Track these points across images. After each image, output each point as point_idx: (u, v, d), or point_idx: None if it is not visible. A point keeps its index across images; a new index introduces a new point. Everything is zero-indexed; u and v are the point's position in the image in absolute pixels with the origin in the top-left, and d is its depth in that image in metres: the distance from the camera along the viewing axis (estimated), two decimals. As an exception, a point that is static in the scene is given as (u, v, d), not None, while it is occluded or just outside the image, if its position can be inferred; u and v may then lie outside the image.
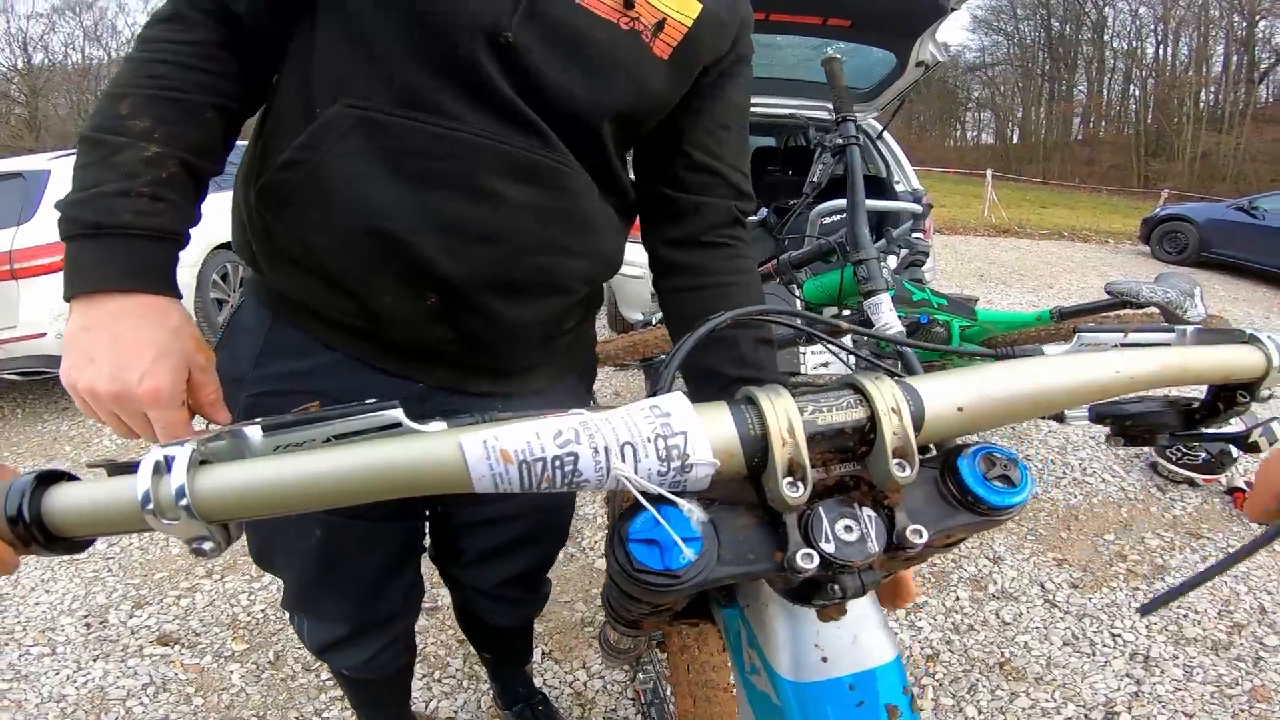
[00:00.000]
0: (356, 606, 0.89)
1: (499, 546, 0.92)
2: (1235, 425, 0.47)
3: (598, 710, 1.53)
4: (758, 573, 0.33)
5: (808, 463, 0.31)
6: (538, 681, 1.61)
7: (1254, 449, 0.46)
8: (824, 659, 0.38)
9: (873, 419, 0.32)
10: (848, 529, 0.33)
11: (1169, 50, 27.76)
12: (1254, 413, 0.46)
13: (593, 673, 1.62)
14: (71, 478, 0.30)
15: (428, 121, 0.57)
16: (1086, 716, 1.57)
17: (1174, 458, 2.53)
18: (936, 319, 2.06)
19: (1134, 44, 28.84)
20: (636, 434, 0.30)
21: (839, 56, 1.32)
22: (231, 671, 1.58)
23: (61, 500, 0.29)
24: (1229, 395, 0.44)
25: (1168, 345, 0.41)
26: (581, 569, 1.98)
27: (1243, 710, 1.60)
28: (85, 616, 1.75)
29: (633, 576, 0.31)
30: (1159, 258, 8.10)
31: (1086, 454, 2.80)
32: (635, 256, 3.34)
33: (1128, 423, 0.48)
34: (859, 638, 0.38)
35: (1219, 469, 2.46)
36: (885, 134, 3.53)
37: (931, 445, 0.38)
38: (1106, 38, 29.46)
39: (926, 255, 2.03)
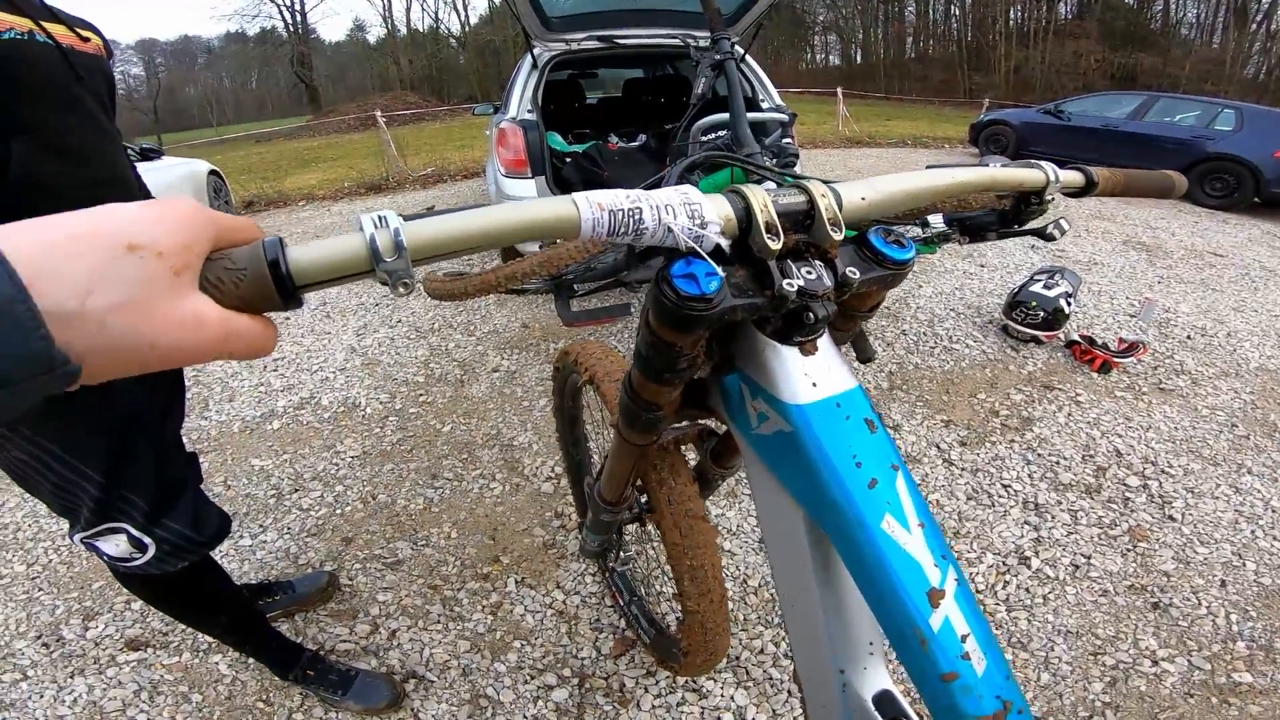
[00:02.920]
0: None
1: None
2: (1037, 224, 0.65)
3: (583, 623, 1.54)
4: (758, 305, 0.44)
5: (779, 223, 0.43)
6: (518, 610, 1.58)
7: (1049, 238, 0.65)
8: (814, 384, 0.48)
9: (812, 202, 0.45)
10: (808, 273, 0.45)
11: (983, -31, 28.56)
12: (1061, 223, 0.65)
13: (568, 590, 1.62)
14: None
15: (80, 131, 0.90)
16: (1004, 563, 1.70)
17: (1019, 319, 2.78)
18: None
19: (953, -36, 29.50)
20: (673, 201, 0.40)
21: None
22: (216, 663, 1.46)
23: (302, 254, 0.33)
24: (1026, 200, 0.61)
25: (985, 168, 0.58)
26: (530, 497, 1.94)
27: (1129, 550, 1.74)
28: (39, 638, 1.55)
29: (678, 304, 0.42)
30: (987, 155, 8.69)
31: (950, 324, 3.03)
32: (524, 190, 3.17)
33: (967, 223, 0.65)
34: (832, 369, 0.49)
35: (1056, 325, 2.76)
36: (747, 57, 3.55)
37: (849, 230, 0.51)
38: (930, -43, 29.97)
39: (796, 158, 2.22)
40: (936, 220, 0.64)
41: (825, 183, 0.48)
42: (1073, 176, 0.60)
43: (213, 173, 6.04)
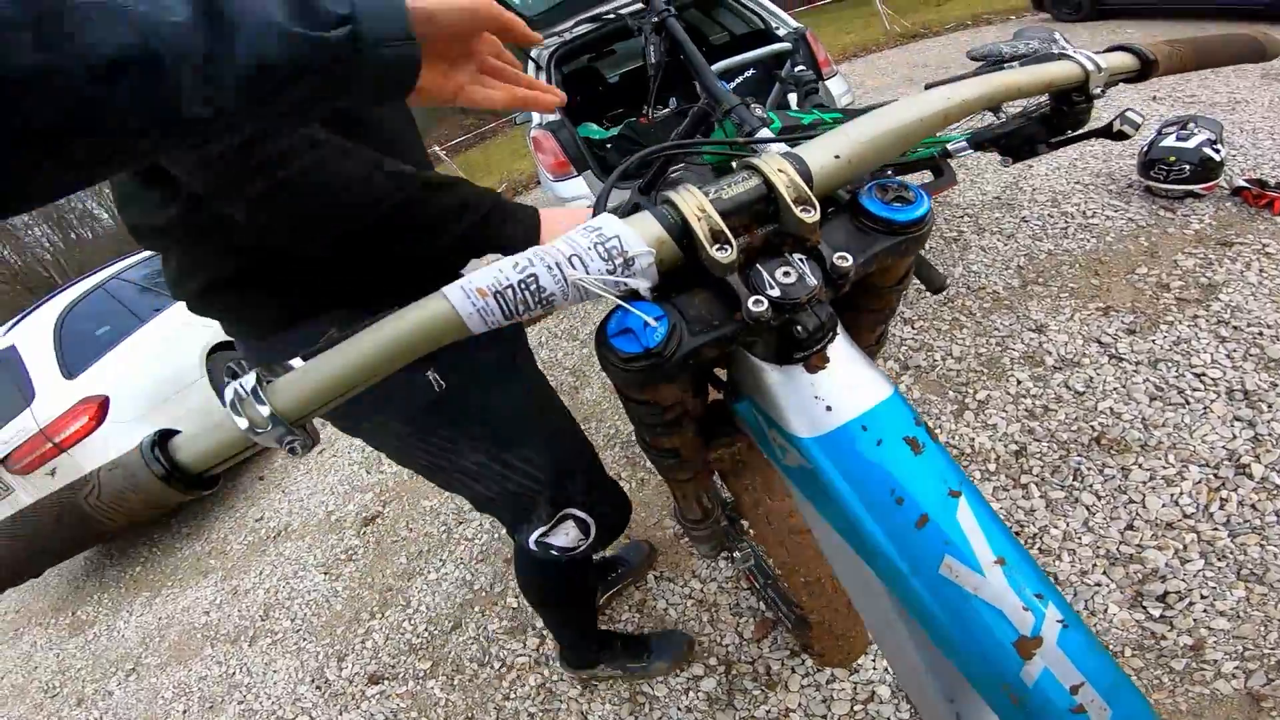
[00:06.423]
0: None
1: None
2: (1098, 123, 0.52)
3: (723, 609, 1.49)
4: (728, 334, 0.35)
5: (725, 228, 0.34)
6: (661, 605, 1.57)
7: (1121, 136, 0.53)
8: (828, 408, 0.38)
9: (769, 184, 0.35)
10: (786, 274, 0.35)
11: None
12: (1129, 115, 0.52)
13: (705, 579, 1.58)
14: (177, 431, 0.33)
15: None
16: (1215, 476, 1.34)
17: (1160, 177, 2.33)
18: None
19: None
20: (578, 247, 0.33)
21: None
22: (432, 688, 1.61)
23: (184, 449, 0.32)
24: (1068, 100, 0.48)
25: (998, 73, 0.44)
26: (655, 489, 1.90)
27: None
28: (313, 682, 1.81)
29: (624, 368, 0.34)
30: (1062, 19, 7.36)
31: (1079, 198, 2.59)
32: (575, 190, 3.08)
33: (1003, 142, 0.54)
34: (852, 382, 0.38)
35: (1211, 175, 2.27)
36: None
37: (841, 193, 0.40)
38: None
39: (815, 82, 1.91)
40: (959, 145, 0.53)
41: (789, 144, 0.39)
42: (1120, 60, 0.48)
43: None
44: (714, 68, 1.93)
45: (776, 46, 2.26)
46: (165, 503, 0.32)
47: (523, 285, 0.32)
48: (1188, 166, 2.25)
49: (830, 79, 2.84)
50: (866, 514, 0.36)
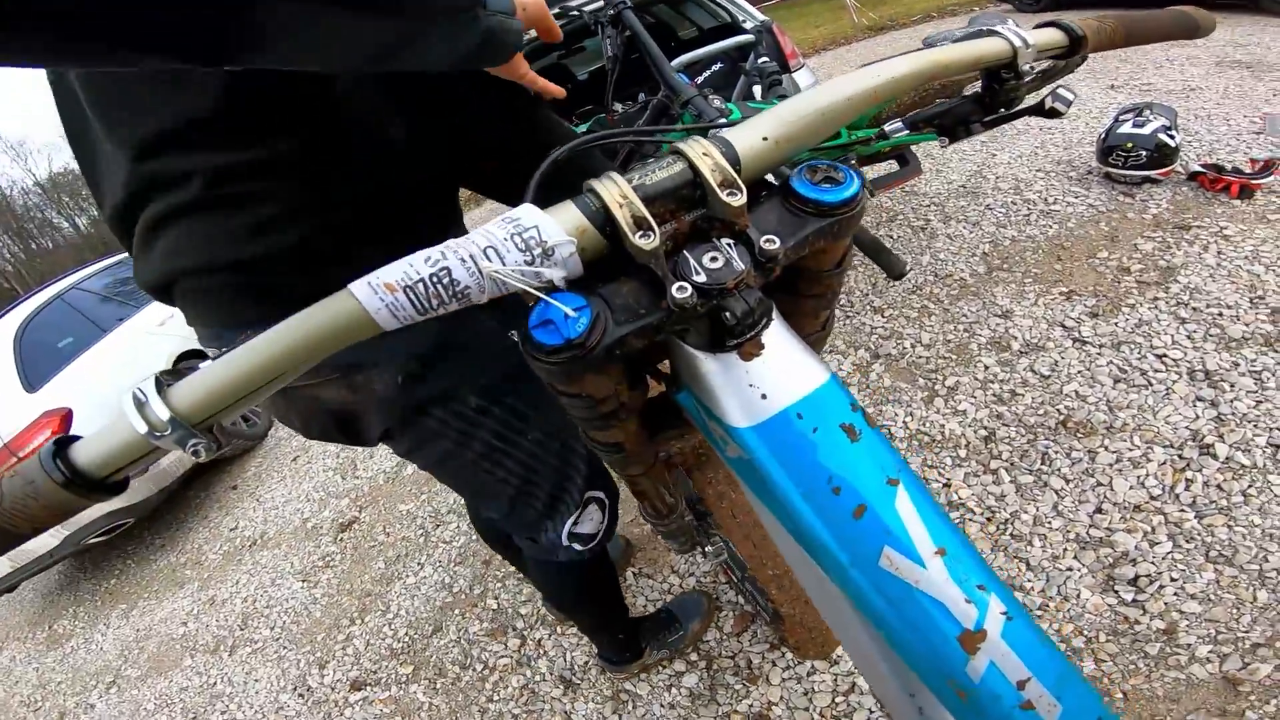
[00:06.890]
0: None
1: None
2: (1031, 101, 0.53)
3: None
4: (653, 323, 0.34)
5: (648, 214, 0.33)
6: (640, 602, 1.56)
7: (1054, 114, 0.54)
8: (763, 395, 0.37)
9: (694, 168, 0.34)
10: (713, 260, 0.34)
11: None
12: (1061, 92, 0.54)
13: (683, 574, 1.57)
14: (77, 437, 0.32)
15: None
16: (1180, 457, 1.34)
17: (1119, 163, 2.37)
18: None
19: None
20: (494, 239, 0.32)
21: None
22: (415, 692, 1.60)
23: (85, 454, 0.31)
24: (999, 78, 0.49)
25: (928, 50, 0.44)
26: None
27: (1351, 410, 1.32)
28: (295, 690, 1.78)
29: (545, 361, 0.33)
30: (1024, 10, 7.47)
31: (1041, 185, 2.62)
32: None
33: (937, 121, 0.53)
34: (788, 368, 0.37)
35: (1167, 160, 2.31)
36: None
37: (770, 177, 0.40)
38: None
39: (779, 74, 1.93)
40: (895, 127, 0.53)
41: (714, 130, 0.38)
42: (1049, 36, 0.48)
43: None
44: (677, 61, 1.90)
45: (740, 38, 2.25)
46: (69, 509, 0.31)
47: (434, 279, 0.31)
48: (1144, 152, 2.29)
49: (797, 71, 2.83)
50: (804, 504, 0.35)
